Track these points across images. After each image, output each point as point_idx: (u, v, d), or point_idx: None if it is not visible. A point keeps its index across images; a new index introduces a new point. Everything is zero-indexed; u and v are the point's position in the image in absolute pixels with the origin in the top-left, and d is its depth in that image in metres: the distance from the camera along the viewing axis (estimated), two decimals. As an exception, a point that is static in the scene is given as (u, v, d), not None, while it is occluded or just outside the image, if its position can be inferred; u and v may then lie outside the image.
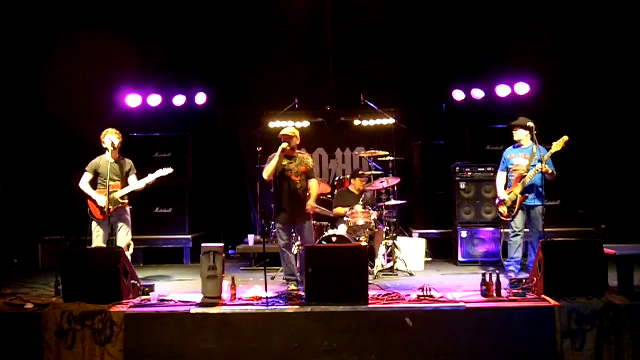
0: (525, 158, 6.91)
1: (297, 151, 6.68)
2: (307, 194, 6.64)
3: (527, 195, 6.84)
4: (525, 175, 6.80)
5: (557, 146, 6.55)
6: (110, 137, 6.71)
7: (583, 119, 8.72)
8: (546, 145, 6.86)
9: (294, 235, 6.84)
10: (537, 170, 6.65)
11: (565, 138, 6.53)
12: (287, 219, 6.53)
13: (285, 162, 6.50)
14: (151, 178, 6.78)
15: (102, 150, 6.82)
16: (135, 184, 6.80)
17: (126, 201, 6.80)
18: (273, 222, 6.49)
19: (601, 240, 5.74)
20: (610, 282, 5.65)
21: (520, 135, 7.01)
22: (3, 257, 8.04)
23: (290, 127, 6.73)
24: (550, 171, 6.63)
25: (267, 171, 6.45)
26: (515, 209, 6.90)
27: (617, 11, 8.59)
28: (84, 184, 6.76)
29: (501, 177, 7.20)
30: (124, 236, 6.81)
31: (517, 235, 7.00)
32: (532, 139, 6.85)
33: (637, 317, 5.21)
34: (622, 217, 8.72)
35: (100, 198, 6.66)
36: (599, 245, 5.62)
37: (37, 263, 8.46)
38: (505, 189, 7.09)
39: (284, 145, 6.41)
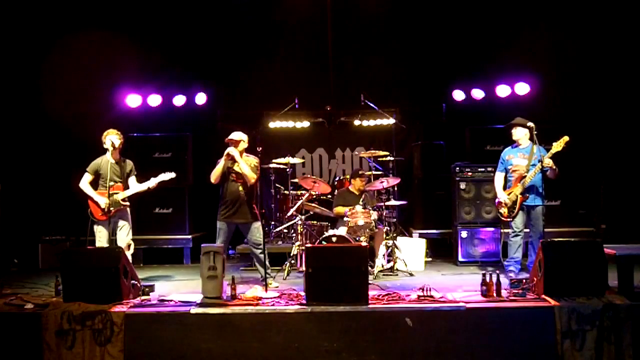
0: (524, 158, 6.92)
1: (246, 155, 6.80)
2: (252, 199, 6.82)
3: (527, 195, 6.85)
4: (525, 176, 6.80)
5: (557, 146, 6.54)
6: (111, 138, 6.70)
7: (583, 118, 8.72)
8: (545, 145, 6.88)
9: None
10: (538, 169, 6.65)
11: (566, 138, 6.53)
12: (229, 218, 6.74)
13: (230, 165, 6.73)
14: (153, 182, 6.79)
15: (103, 151, 6.81)
16: (137, 186, 6.81)
17: (127, 203, 6.79)
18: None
19: (601, 240, 5.74)
20: (610, 282, 5.65)
21: (519, 134, 7.01)
22: (3, 257, 8.04)
23: (238, 132, 6.84)
24: (554, 166, 6.62)
25: (213, 175, 6.73)
26: (516, 209, 6.91)
27: (616, 11, 8.59)
28: (84, 184, 6.73)
29: (499, 178, 7.20)
30: (124, 236, 6.80)
31: (517, 236, 7.01)
32: (531, 139, 6.87)
33: (637, 317, 5.20)
34: (622, 217, 8.71)
35: (101, 199, 6.65)
36: (599, 245, 5.62)
37: (37, 263, 8.46)
38: (504, 189, 7.10)
39: (229, 150, 6.62)
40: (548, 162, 6.57)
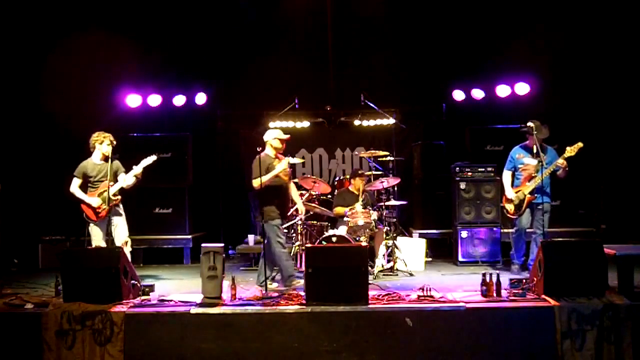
0: (535, 158, 6.98)
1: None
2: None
3: (536, 195, 6.93)
4: (536, 176, 6.86)
5: (570, 151, 6.65)
6: (108, 141, 6.73)
7: (583, 118, 8.72)
8: (546, 145, 6.92)
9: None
10: (550, 170, 6.71)
11: (580, 144, 6.61)
12: (284, 217, 6.72)
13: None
14: (137, 169, 6.78)
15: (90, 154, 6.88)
16: (124, 179, 6.80)
17: (118, 197, 6.79)
18: (267, 221, 6.54)
19: (601, 240, 5.75)
20: (610, 282, 5.65)
21: (540, 136, 7.04)
22: (3, 257, 8.03)
23: (278, 130, 6.73)
24: (567, 167, 6.71)
25: (264, 181, 6.37)
26: (523, 208, 6.98)
27: (616, 11, 8.59)
28: (75, 188, 6.79)
29: (507, 176, 7.29)
30: (122, 232, 6.81)
31: (520, 235, 7.12)
32: (545, 139, 6.94)
33: (637, 317, 5.21)
34: (622, 217, 8.71)
35: (93, 200, 6.72)
36: (599, 245, 5.62)
37: (37, 263, 8.46)
38: (512, 187, 7.16)
39: (286, 164, 6.55)
40: (562, 162, 6.67)
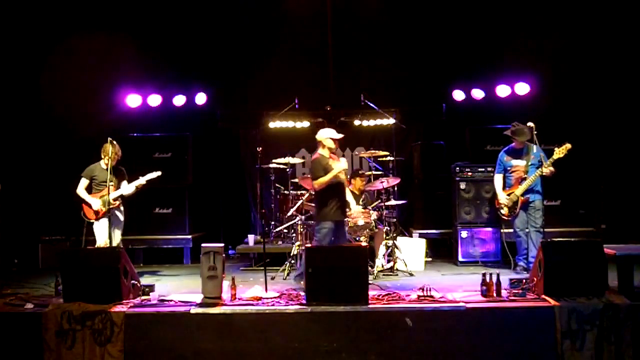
0: (523, 159, 7.03)
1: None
2: None
3: (527, 197, 7.01)
4: (526, 177, 6.90)
5: (558, 153, 6.71)
6: (108, 159, 6.85)
7: (583, 118, 8.73)
8: (545, 146, 6.95)
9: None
10: (539, 174, 6.75)
11: (568, 146, 6.65)
12: (340, 216, 6.51)
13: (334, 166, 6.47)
14: (141, 181, 7.13)
15: (98, 157, 7.13)
16: (126, 187, 7.14)
17: (117, 202, 7.12)
18: (318, 222, 6.50)
19: (601, 240, 5.76)
20: (610, 282, 5.65)
21: (523, 139, 7.10)
22: (3, 257, 8.04)
23: (331, 130, 6.57)
24: (553, 170, 6.78)
25: (324, 183, 6.31)
26: (517, 210, 7.06)
27: (617, 11, 8.60)
28: (81, 189, 7.15)
29: (499, 179, 7.37)
30: (117, 234, 7.10)
31: (519, 236, 7.19)
32: (530, 139, 6.95)
33: (637, 317, 5.21)
34: (622, 217, 8.71)
35: (94, 202, 7.06)
36: (599, 245, 5.63)
37: (37, 263, 8.47)
38: (503, 189, 7.20)
39: (346, 163, 6.46)
40: (551, 169, 6.74)
